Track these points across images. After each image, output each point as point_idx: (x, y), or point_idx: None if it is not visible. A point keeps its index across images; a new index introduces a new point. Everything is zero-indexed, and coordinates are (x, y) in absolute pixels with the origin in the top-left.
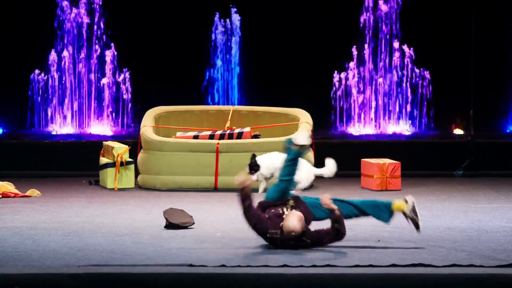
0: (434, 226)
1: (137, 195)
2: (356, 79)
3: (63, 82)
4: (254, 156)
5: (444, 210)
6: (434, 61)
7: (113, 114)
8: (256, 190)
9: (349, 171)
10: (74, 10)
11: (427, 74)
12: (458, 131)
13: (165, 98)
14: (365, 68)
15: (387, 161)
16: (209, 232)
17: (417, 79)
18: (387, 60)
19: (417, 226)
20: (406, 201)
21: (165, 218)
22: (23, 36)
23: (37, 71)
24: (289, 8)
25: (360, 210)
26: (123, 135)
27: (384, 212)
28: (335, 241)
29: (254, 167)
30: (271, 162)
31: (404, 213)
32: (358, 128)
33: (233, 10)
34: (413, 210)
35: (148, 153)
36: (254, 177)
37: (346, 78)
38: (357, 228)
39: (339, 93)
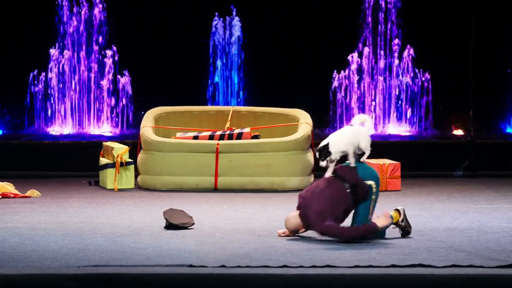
0: (434, 227)
1: (137, 195)
2: (356, 79)
3: (63, 82)
4: (327, 145)
5: (444, 211)
6: (434, 62)
7: (113, 114)
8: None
9: None
10: (75, 10)
11: (427, 75)
12: (457, 132)
13: (165, 98)
14: (364, 68)
15: (387, 161)
16: (209, 232)
17: (417, 79)
18: (387, 61)
19: (407, 233)
20: (399, 211)
21: (165, 219)
22: (23, 36)
23: (37, 71)
24: (289, 8)
25: None
26: (123, 135)
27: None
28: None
29: (325, 154)
30: (341, 145)
31: (397, 223)
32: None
33: (233, 10)
34: (406, 219)
35: (148, 153)
36: (323, 163)
37: (346, 79)
38: None
39: (338, 93)
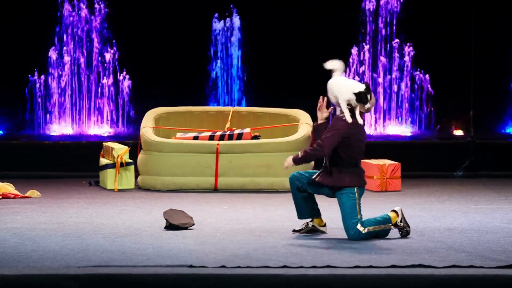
0: (434, 227)
1: (137, 196)
2: (356, 79)
3: (63, 82)
4: (368, 86)
5: (444, 211)
6: (434, 62)
7: (113, 114)
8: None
9: None
10: (74, 10)
11: (427, 75)
12: (458, 132)
13: (165, 98)
14: (364, 68)
15: (387, 162)
16: (209, 233)
17: (417, 79)
18: (387, 61)
19: (407, 233)
20: (396, 212)
21: (165, 219)
22: (23, 36)
23: (36, 72)
24: (289, 8)
25: None
26: (123, 135)
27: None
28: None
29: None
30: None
31: (395, 224)
32: None
33: (233, 10)
34: (404, 219)
35: (148, 154)
36: (368, 105)
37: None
38: None
39: None
